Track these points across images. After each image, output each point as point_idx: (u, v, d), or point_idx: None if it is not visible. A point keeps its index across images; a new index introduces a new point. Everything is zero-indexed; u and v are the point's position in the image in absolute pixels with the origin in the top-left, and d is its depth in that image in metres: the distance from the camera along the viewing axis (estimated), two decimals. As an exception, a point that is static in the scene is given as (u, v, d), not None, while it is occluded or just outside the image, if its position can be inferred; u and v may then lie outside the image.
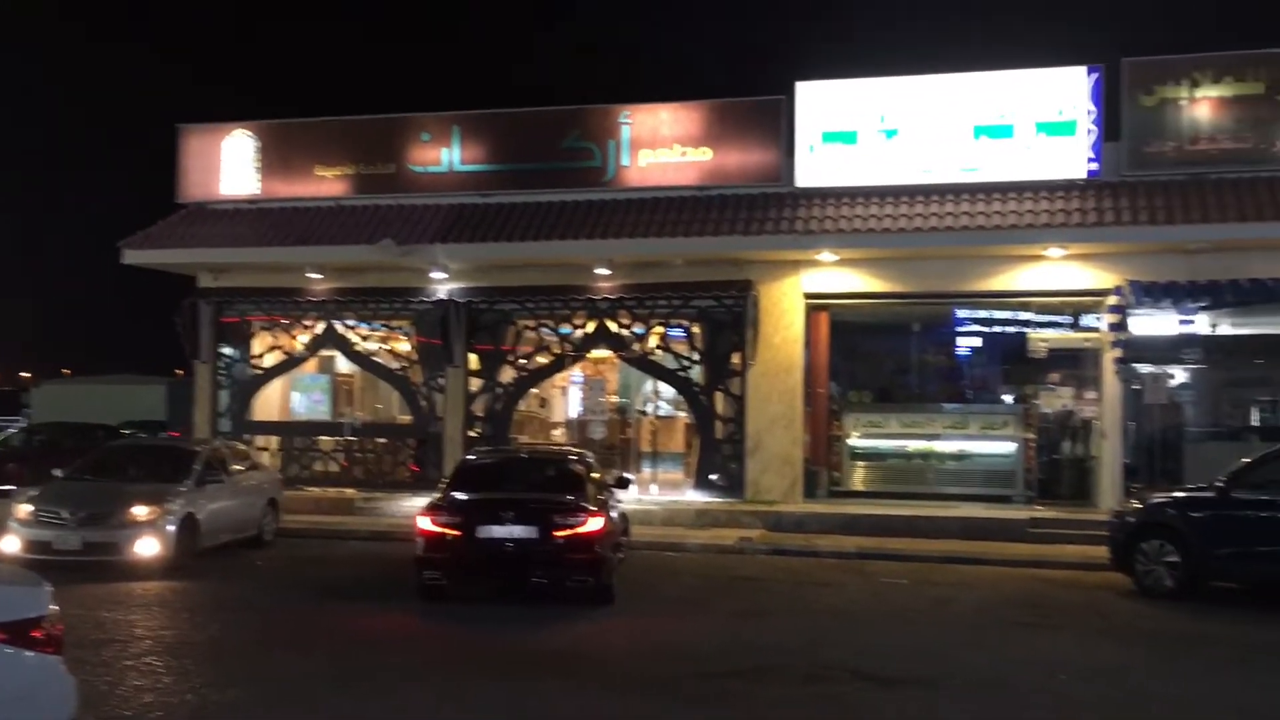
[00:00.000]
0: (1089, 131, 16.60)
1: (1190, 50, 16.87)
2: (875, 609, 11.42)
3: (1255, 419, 18.63)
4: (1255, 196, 15.77)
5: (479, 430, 19.08)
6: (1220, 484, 11.92)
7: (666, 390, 20.03)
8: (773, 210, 17.49)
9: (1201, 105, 16.34)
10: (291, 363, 20.24)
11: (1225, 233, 15.56)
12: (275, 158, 19.88)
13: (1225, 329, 17.46)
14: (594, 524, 11.14)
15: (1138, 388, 17.32)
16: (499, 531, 11.08)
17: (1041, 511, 16.45)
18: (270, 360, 20.19)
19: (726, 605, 11.44)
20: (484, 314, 19.19)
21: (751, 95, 18.29)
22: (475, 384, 19.27)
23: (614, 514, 12.41)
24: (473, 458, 13.61)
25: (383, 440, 19.92)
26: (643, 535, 15.04)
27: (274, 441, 19.99)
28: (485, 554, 11.15)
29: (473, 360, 19.33)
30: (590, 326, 18.66)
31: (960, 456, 17.89)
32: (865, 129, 17.41)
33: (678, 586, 12.53)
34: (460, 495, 11.73)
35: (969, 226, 16.47)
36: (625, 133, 18.42)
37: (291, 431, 20.33)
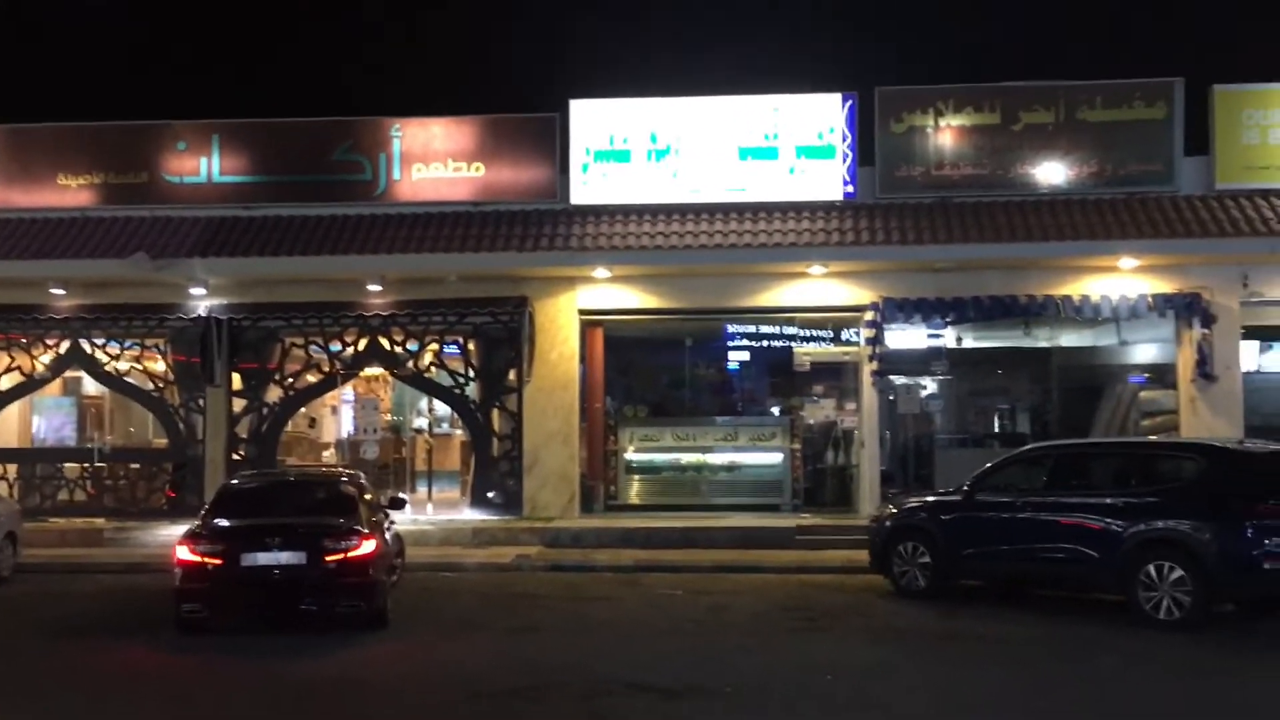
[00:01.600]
0: (846, 156, 17.48)
1: (938, 80, 18.04)
2: (652, 621, 11.58)
3: (996, 425, 20.09)
4: (994, 219, 16.98)
5: (243, 453, 18.25)
6: (965, 488, 12.72)
7: (442, 408, 19.76)
8: (547, 227, 17.56)
9: (945, 133, 17.48)
10: (32, 384, 18.78)
11: (968, 252, 16.67)
12: (13, 165, 18.46)
13: (969, 342, 18.77)
14: (366, 547, 10.84)
15: (893, 398, 18.35)
16: (264, 558, 10.62)
17: (808, 519, 17.13)
18: (7, 382, 18.67)
19: (504, 624, 11.35)
20: (247, 331, 18.39)
21: (529, 111, 18.32)
22: (239, 404, 18.42)
23: (388, 536, 12.11)
24: (235, 482, 13.01)
25: (136, 466, 18.72)
26: (419, 556, 14.74)
27: (12, 470, 18.48)
28: (250, 583, 10.67)
29: (236, 380, 18.48)
30: (362, 344, 18.19)
31: (731, 468, 18.43)
32: (638, 148, 17.75)
33: (455, 607, 12.34)
34: (222, 521, 11.18)
35: (737, 245, 17.02)
36: (397, 146, 18.10)
37: (33, 458, 18.87)
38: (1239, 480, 11.06)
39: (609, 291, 17.90)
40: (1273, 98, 17.00)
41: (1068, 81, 17.46)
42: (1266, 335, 17.59)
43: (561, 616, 11.79)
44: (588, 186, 17.78)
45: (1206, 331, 16.62)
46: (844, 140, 17.47)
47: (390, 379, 19.34)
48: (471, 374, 18.33)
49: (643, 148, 17.74)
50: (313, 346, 18.39)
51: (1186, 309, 16.73)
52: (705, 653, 9.98)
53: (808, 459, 18.61)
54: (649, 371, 20.77)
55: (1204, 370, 16.61)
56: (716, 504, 18.08)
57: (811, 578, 14.11)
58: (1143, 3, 32.80)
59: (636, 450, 18.61)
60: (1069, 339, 19.18)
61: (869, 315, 17.33)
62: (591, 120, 17.82)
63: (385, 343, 18.12)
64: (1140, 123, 17.16)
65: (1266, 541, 10.59)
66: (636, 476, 18.62)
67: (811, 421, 19.03)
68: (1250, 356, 17.34)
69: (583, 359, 18.17)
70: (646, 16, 34.68)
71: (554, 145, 17.86)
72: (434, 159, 18.08)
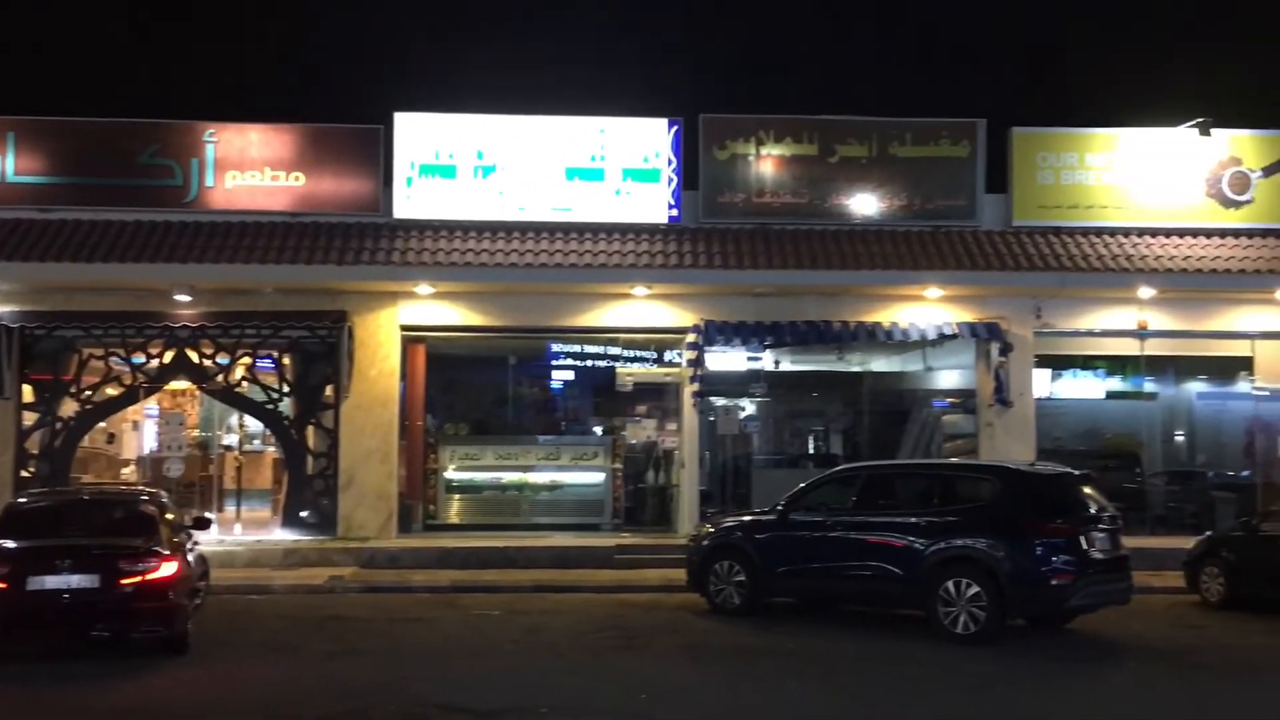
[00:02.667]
0: (671, 180, 17.77)
1: (762, 109, 18.55)
2: (468, 642, 11.42)
3: (811, 447, 20.73)
4: (811, 247, 17.55)
5: (33, 470, 17.14)
6: (779, 507, 13.06)
7: (254, 424, 19.04)
8: (369, 240, 17.21)
9: (766, 162, 17.99)
10: None
11: (786, 278, 17.17)
12: None
13: (787, 365, 19.31)
14: (166, 569, 10.32)
15: (713, 419, 18.69)
16: (53, 582, 10.00)
17: (628, 538, 17.24)
18: None
19: (315, 647, 10.99)
20: (41, 341, 17.33)
21: (353, 123, 17.94)
22: (29, 418, 17.31)
23: (191, 557, 11.57)
24: (23, 500, 12.21)
25: (-89, 484, 17.34)
26: (225, 578, 14.14)
27: None
28: (37, 607, 10.03)
29: (27, 392, 17.37)
30: (168, 356, 17.37)
31: (553, 487, 18.39)
32: (464, 164, 17.60)
33: (262, 631, 11.88)
34: (7, 543, 10.46)
35: (562, 264, 17.06)
36: (210, 152, 17.43)
37: None
38: (1030, 501, 11.73)
39: (432, 308, 17.65)
40: (1065, 141, 18.17)
41: (880, 118, 18.26)
42: (1057, 364, 18.71)
43: (376, 639, 11.49)
44: (412, 201, 17.52)
45: (1004, 359, 17.57)
46: (669, 164, 17.76)
47: (198, 393, 18.52)
48: (286, 389, 17.75)
49: (469, 164, 17.61)
50: (113, 358, 17.44)
51: (986, 337, 17.65)
52: (523, 673, 9.91)
53: (629, 479, 18.75)
54: (472, 389, 20.57)
55: (1001, 396, 17.55)
56: (537, 523, 18.01)
57: (630, 597, 14.19)
58: (952, 46, 34.62)
59: (457, 469, 18.37)
60: (879, 364, 19.97)
61: (691, 337, 17.63)
62: (417, 134, 17.58)
63: (194, 356, 17.36)
64: (946, 160, 18.07)
65: (1054, 559, 11.26)
66: (457, 495, 18.37)
67: (633, 441, 19.19)
68: (1042, 384, 18.41)
69: (404, 376, 17.84)
70: (478, 35, 34.53)
71: (378, 158, 17.53)
72: (250, 167, 17.48)
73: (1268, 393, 18.33)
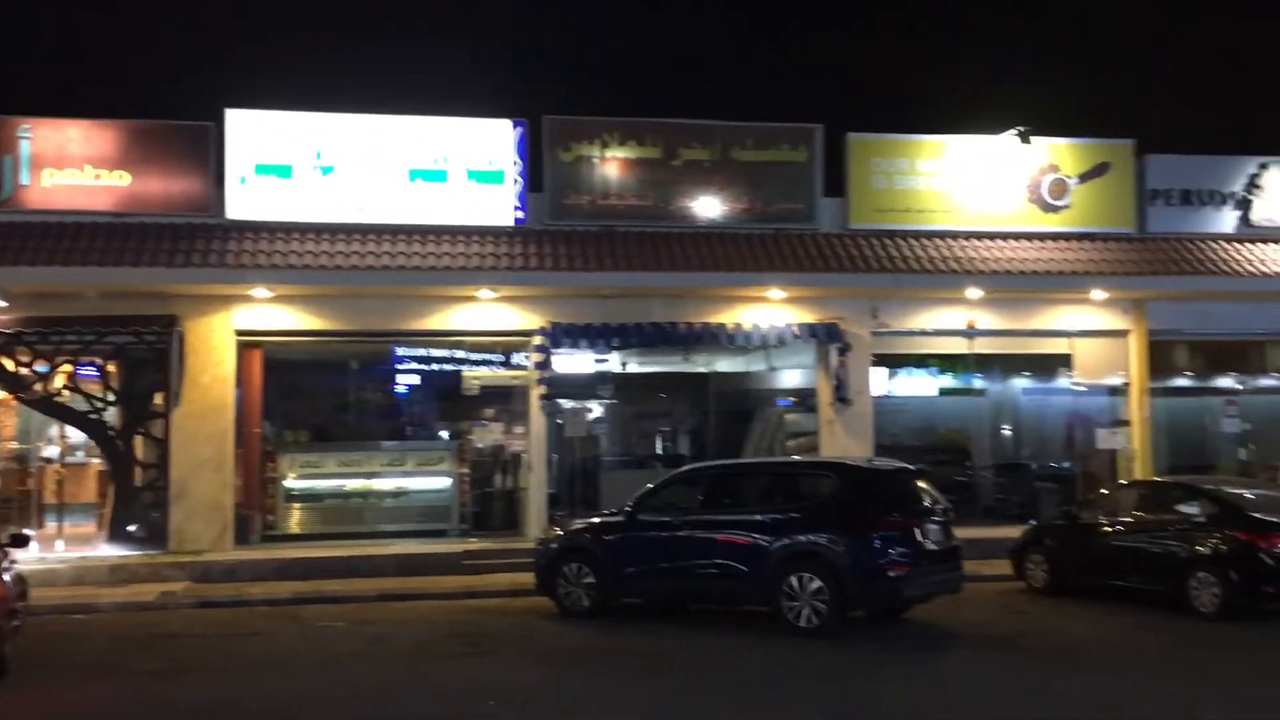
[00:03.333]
0: (515, 181, 17.66)
1: (609, 112, 18.59)
2: (310, 654, 11.10)
3: (659, 447, 20.91)
4: (656, 249, 17.70)
5: None
6: (628, 509, 13.13)
7: (77, 435, 18.08)
8: (201, 242, 16.56)
9: (611, 164, 18.06)
10: None
11: (632, 280, 17.27)
12: None
13: (634, 367, 19.42)
14: (-21, 591, 9.71)
15: (560, 422, 18.65)
16: None
17: (475, 543, 17.04)
18: None
19: (144, 666, 10.49)
20: None
21: (184, 119, 17.22)
22: None
23: (7, 577, 10.89)
24: None
25: None
26: (47, 598, 13.38)
27: None
28: None
29: None
30: (-20, 364, 16.34)
31: (398, 494, 18.04)
32: (301, 163, 17.11)
33: (87, 652, 11.28)
34: None
35: (405, 267, 16.76)
36: (25, 148, 16.49)
37: None
38: (868, 496, 12.09)
39: (269, 312, 17.09)
40: (898, 148, 18.81)
41: (723, 122, 18.55)
42: (893, 363, 19.35)
43: (210, 655, 11.05)
44: (246, 201, 16.94)
45: (843, 359, 18.07)
46: (514, 166, 17.65)
47: (15, 403, 17.48)
48: (111, 398, 16.90)
49: (307, 163, 17.12)
50: (-81, 367, 16.31)
51: (826, 338, 18.12)
52: (366, 684, 9.68)
53: (476, 483, 18.53)
54: (312, 395, 19.98)
55: (841, 394, 18.05)
56: (382, 531, 17.63)
57: (478, 602, 14.04)
58: (796, 50, 35.44)
59: (298, 477, 17.82)
60: (725, 364, 20.28)
61: (537, 340, 17.54)
62: (251, 132, 17.00)
63: (9, 364, 16.36)
64: (786, 164, 18.48)
65: (891, 551, 11.62)
66: (297, 505, 17.82)
67: (481, 445, 18.99)
68: (880, 382, 19.01)
69: (240, 382, 17.21)
70: (317, 32, 33.61)
71: (208, 156, 16.90)
72: (70, 164, 16.62)
73: (1085, 388, 19.37)
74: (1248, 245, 18.98)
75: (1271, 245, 19.01)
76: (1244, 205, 19.17)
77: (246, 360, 17.44)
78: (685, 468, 14.65)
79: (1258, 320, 19.08)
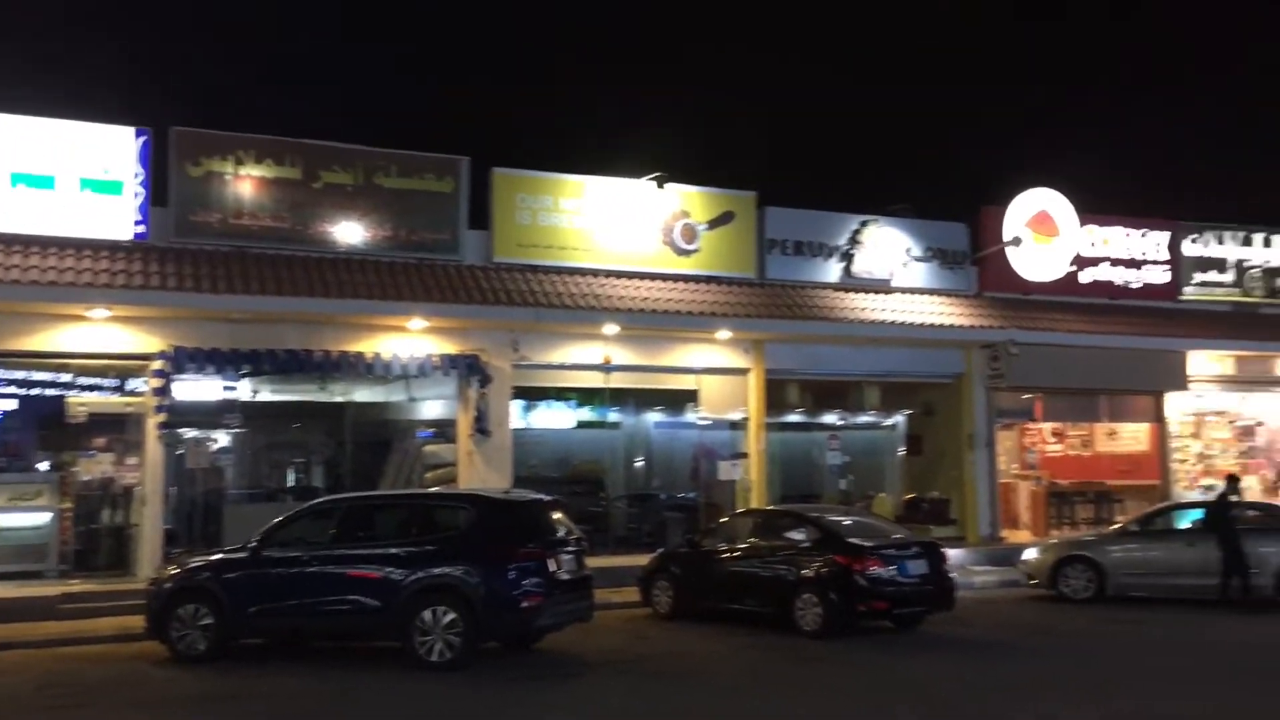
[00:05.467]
0: (136, 194, 16.42)
1: (251, 129, 17.67)
2: None
3: (291, 479, 20.01)
4: (292, 272, 17.02)
5: None
6: (252, 544, 12.44)
7: None
8: None
9: (245, 182, 17.20)
10: None
11: (266, 305, 16.49)
12: None
13: (266, 395, 18.51)
14: None
15: (181, 452, 17.42)
16: None
17: (77, 585, 15.50)
18: None
19: None
20: None
21: None
22: None
23: None
24: None
25: None
26: None
27: None
28: None
29: None
30: None
31: (-15, 532, 16.10)
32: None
33: None
34: None
35: (3, 280, 15.11)
36: None
37: None
38: (503, 527, 12.15)
39: None
40: (541, 185, 19.22)
41: (366, 147, 18.19)
42: (532, 395, 19.66)
43: None
44: None
45: (484, 391, 18.14)
46: (136, 177, 16.41)
47: None
48: None
49: (-118, 157, 15.06)
50: None
51: (467, 369, 18.12)
52: (-67, 751, 8.53)
53: (80, 519, 16.88)
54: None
55: (481, 426, 18.10)
56: (-36, 575, 15.65)
57: (79, 650, 12.80)
58: (442, 83, 35.48)
59: None
60: (363, 394, 19.75)
61: (157, 364, 16.32)
62: None
63: None
64: (431, 194, 18.39)
65: (525, 582, 11.73)
66: None
67: (87, 478, 17.31)
68: (519, 414, 19.25)
69: None
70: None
71: None
72: None
73: (710, 422, 20.57)
74: (850, 294, 20.96)
75: (870, 295, 21.10)
76: (847, 258, 21.17)
77: None
78: (317, 500, 14.08)
79: (858, 362, 21.08)
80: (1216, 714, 9.75)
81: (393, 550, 12.04)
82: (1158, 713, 9.70)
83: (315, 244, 17.59)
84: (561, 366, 19.23)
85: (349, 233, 17.79)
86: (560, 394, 20.13)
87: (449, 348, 18.05)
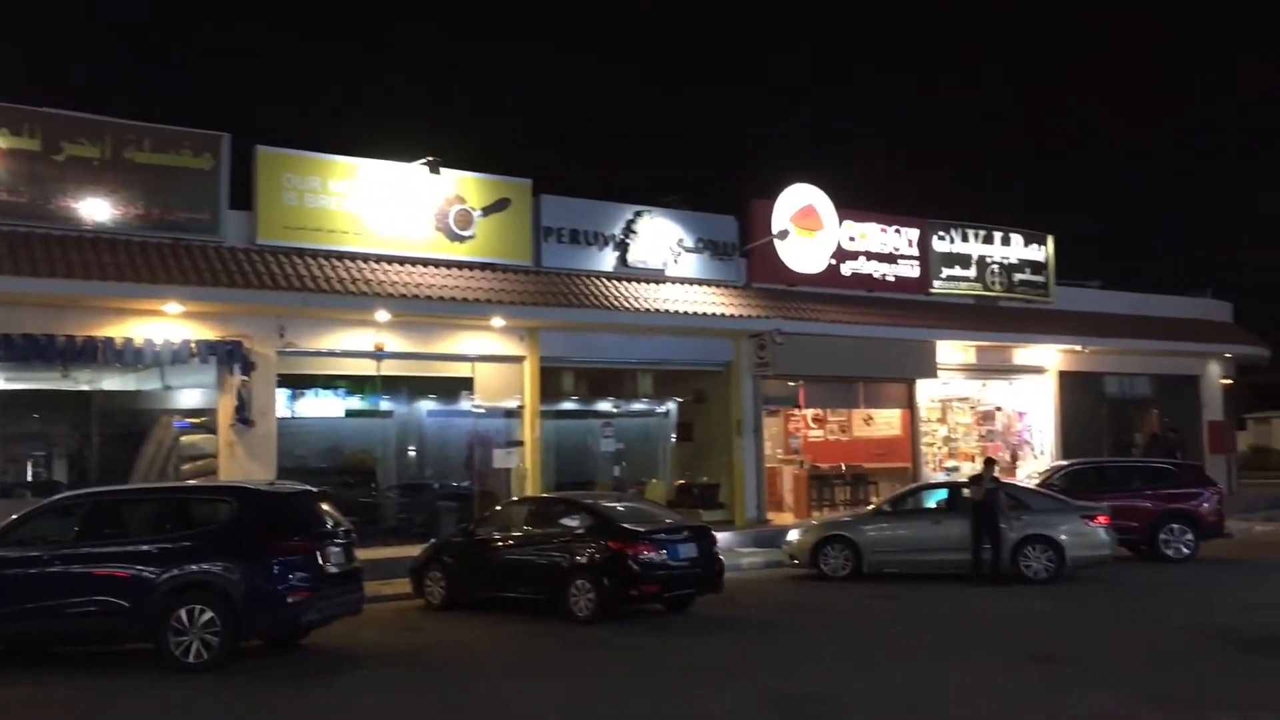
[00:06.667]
0: None
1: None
2: None
3: (30, 474, 18.56)
4: (30, 251, 15.80)
5: None
6: (-15, 545, 11.50)
7: None
8: None
9: (-24, 153, 15.82)
10: None
11: (1, 285, 15.25)
12: None
13: (2, 384, 17.11)
14: None
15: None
16: None
17: None
18: None
19: None
20: None
21: None
22: None
23: None
24: None
25: None
26: None
27: None
28: None
29: None
30: None
31: None
32: None
33: None
34: None
35: None
36: None
37: None
38: (267, 521, 11.67)
39: None
40: (310, 165, 18.54)
41: (116, 119, 17.06)
42: (300, 383, 18.97)
43: None
44: None
45: (246, 378, 17.37)
46: None
47: None
48: None
49: None
50: None
51: (228, 356, 17.30)
52: None
53: None
54: None
55: (243, 415, 17.32)
56: None
57: None
58: (200, 58, 33.72)
59: None
60: (112, 382, 18.52)
61: None
62: None
63: None
64: (189, 171, 17.43)
65: (290, 577, 11.33)
66: None
67: None
68: (285, 403, 18.54)
69: None
70: None
71: None
72: None
73: (484, 410, 20.43)
74: (625, 283, 21.24)
75: (644, 284, 21.46)
76: (622, 247, 21.44)
77: None
78: (59, 496, 13.12)
79: (631, 350, 21.40)
80: (946, 672, 10.45)
81: (144, 547, 11.38)
82: (913, 670, 10.30)
83: (58, 221, 16.38)
84: (331, 353, 18.64)
85: (96, 210, 16.65)
86: (329, 382, 19.51)
87: (208, 333, 17.19)
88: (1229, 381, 30.98)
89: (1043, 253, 27.42)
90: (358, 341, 18.68)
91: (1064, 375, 27.26)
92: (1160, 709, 8.97)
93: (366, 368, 19.15)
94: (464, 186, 19.93)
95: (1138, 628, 12.76)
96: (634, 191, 22.43)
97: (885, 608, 14.67)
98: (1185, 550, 18.80)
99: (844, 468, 24.76)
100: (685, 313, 21.19)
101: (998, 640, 12.19)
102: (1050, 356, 26.94)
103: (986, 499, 16.58)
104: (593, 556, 13.72)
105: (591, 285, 20.75)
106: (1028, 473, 24.28)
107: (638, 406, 23.15)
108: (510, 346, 20.10)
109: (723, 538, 16.89)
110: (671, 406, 23.39)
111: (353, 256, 18.62)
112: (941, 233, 25.92)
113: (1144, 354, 28.30)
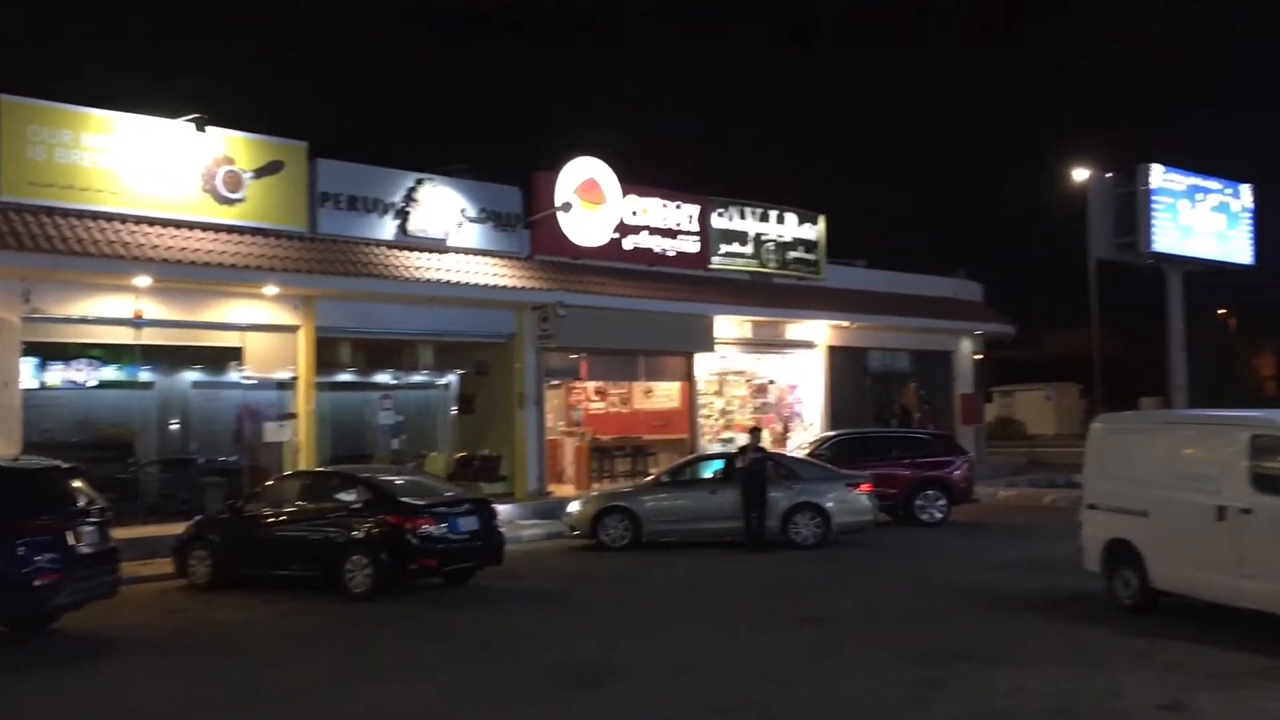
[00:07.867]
0: None
1: None
2: None
3: None
4: None
5: None
6: None
7: None
8: None
9: None
10: None
11: None
12: None
13: None
14: None
15: None
16: None
17: None
18: None
19: None
20: None
21: None
22: None
23: None
24: None
25: None
26: None
27: None
28: None
29: None
30: None
31: None
32: None
33: None
34: None
35: None
36: None
37: None
38: (11, 498, 10.85)
39: None
40: (60, 118, 17.15)
41: None
42: (49, 352, 17.64)
43: None
44: None
45: (-13, 346, 16.02)
46: None
47: None
48: None
49: None
50: None
51: (-35, 322, 15.91)
52: None
53: None
54: None
55: (-18, 386, 15.98)
56: None
57: None
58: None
59: None
60: None
61: None
62: None
63: None
64: (-82, 118, 15.86)
65: (38, 559, 10.58)
66: None
67: None
68: (32, 372, 17.22)
69: None
70: None
71: None
72: None
73: (255, 381, 19.57)
74: (405, 252, 20.73)
75: (425, 254, 21.00)
76: (402, 215, 20.89)
77: None
78: None
79: (411, 321, 20.97)
80: (724, 629, 10.79)
81: None
82: (689, 636, 10.55)
83: None
84: (84, 320, 17.41)
85: None
86: (82, 350, 18.21)
87: (-59, 296, 15.74)
88: (979, 356, 33.15)
89: (815, 231, 28.50)
90: (115, 308, 17.52)
91: (833, 350, 28.49)
92: (918, 663, 9.53)
93: (125, 336, 17.97)
94: (234, 147, 18.93)
95: (898, 588, 13.52)
96: (421, 162, 21.83)
97: (662, 576, 14.98)
98: (938, 515, 20.06)
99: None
100: (467, 284, 20.90)
101: (769, 604, 12.65)
102: (820, 332, 28.10)
103: (753, 467, 17.16)
104: (370, 531, 13.40)
105: (370, 254, 20.17)
106: (798, 443, 25.27)
107: (418, 378, 22.73)
108: (283, 315, 19.31)
109: (504, 510, 16.85)
110: (453, 379, 23.08)
111: (109, 217, 17.40)
112: (721, 209, 26.52)
113: (904, 330, 29.93)
